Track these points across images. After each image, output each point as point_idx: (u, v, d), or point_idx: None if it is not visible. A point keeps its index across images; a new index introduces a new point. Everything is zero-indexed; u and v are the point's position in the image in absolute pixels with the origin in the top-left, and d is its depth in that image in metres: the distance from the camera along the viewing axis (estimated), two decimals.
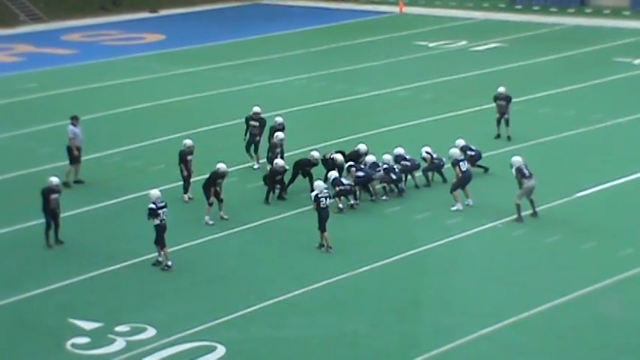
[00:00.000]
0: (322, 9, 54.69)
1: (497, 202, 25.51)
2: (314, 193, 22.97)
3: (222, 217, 24.47)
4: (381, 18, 51.53)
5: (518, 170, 24.49)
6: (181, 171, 26.07)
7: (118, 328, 19.12)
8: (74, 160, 27.42)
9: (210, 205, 24.29)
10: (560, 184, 26.52)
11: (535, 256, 22.40)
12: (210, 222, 24.18)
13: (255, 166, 28.07)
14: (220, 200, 24.57)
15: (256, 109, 28.62)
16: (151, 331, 18.99)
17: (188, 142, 26.37)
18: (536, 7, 52.12)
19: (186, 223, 24.15)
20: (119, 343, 18.64)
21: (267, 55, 43.19)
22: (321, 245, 22.91)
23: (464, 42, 44.86)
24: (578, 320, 19.42)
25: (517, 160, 24.62)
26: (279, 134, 27.37)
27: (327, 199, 22.95)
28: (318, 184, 23.31)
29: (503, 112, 29.93)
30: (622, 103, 34.46)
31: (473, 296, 20.48)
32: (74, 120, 27.69)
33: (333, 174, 25.27)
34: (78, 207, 25.34)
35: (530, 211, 24.48)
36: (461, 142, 26.79)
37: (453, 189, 25.25)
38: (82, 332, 19.09)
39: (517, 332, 18.96)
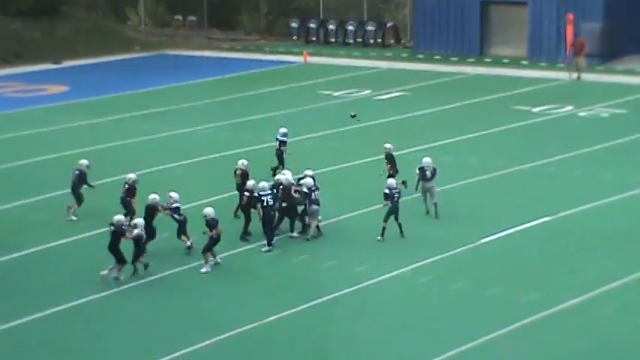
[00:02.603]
0: (227, 59, 54.71)
1: (405, 247, 25.60)
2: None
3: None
4: (286, 68, 51.73)
5: (421, 170, 27.45)
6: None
7: None
8: None
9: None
10: (464, 230, 26.71)
11: (441, 303, 22.48)
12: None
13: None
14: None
15: None
16: None
17: (132, 176, 26.99)
18: (437, 57, 52.81)
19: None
20: None
21: (172, 105, 42.97)
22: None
23: (368, 91, 45.20)
24: None
25: (426, 160, 27.77)
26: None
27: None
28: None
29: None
30: (523, 150, 34.94)
31: (381, 345, 20.44)
32: None
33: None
34: None
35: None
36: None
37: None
38: None
39: None
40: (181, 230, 25.68)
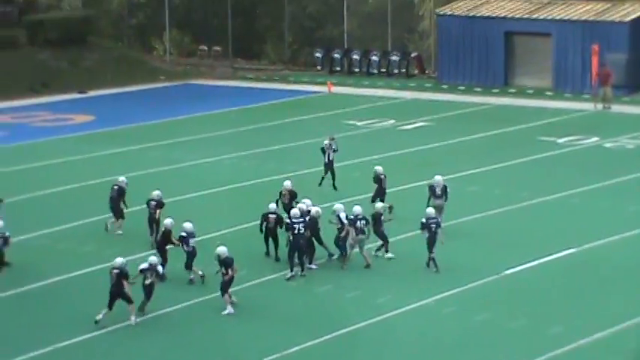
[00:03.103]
0: (251, 89, 54.85)
1: (428, 277, 25.51)
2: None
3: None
4: (310, 97, 51.82)
5: (431, 188, 28.34)
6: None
7: None
8: None
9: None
10: (488, 261, 26.60)
11: (465, 335, 22.35)
12: None
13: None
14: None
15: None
16: None
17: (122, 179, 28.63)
18: (461, 87, 52.78)
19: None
20: None
21: (197, 134, 43.08)
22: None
23: (392, 121, 45.19)
24: None
25: (437, 178, 28.71)
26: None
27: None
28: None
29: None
30: (548, 181, 34.81)
31: None
32: None
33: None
34: (2, 290, 24.84)
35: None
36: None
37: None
38: None
39: None
40: (188, 262, 25.50)
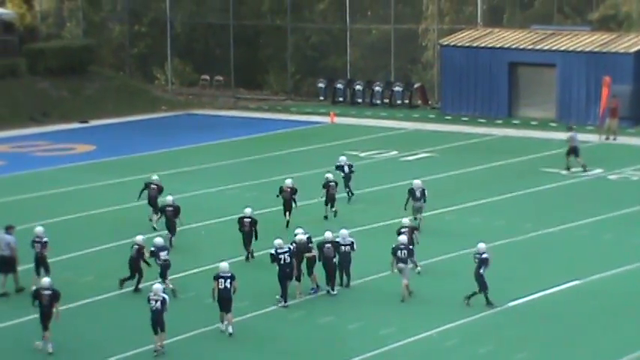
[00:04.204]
0: (254, 119, 55.05)
1: (431, 309, 25.57)
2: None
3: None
4: (313, 128, 51.99)
5: (411, 191, 31.62)
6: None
7: None
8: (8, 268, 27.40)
9: None
10: (492, 293, 26.65)
11: None
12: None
13: None
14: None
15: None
16: None
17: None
18: (465, 118, 52.95)
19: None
20: None
21: (198, 164, 43.23)
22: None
23: (395, 152, 45.33)
24: None
25: (416, 182, 32.11)
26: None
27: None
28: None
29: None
30: (552, 212, 34.89)
31: None
32: (9, 229, 27.79)
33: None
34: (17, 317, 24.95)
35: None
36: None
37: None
38: None
39: None
40: (163, 272, 26.75)
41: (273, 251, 26.22)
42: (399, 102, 56.59)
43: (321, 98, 58.74)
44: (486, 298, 25.86)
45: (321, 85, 58.92)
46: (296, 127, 52.58)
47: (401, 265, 26.63)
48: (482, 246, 26.34)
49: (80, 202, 37.36)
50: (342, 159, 37.14)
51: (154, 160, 44.92)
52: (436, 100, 56.93)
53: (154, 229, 31.72)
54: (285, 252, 26.17)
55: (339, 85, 58.16)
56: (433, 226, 32.75)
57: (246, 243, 29.75)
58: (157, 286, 24.00)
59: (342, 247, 27.33)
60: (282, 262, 26.06)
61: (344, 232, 27.64)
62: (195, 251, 30.97)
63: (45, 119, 54.53)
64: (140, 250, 27.24)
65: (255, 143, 48.75)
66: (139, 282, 27.17)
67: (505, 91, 53.04)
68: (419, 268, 28.24)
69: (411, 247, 27.06)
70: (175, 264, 27.90)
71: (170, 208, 31.30)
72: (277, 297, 26.21)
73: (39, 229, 28.43)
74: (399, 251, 26.72)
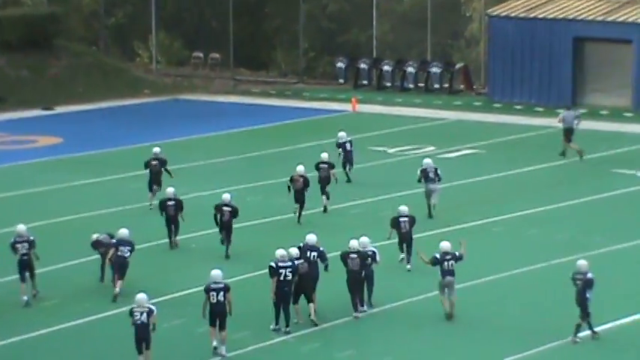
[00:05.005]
0: (257, 106, 55.05)
1: (482, 339, 25.53)
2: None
3: None
4: (330, 117, 51.96)
5: (423, 172, 34.79)
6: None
7: None
8: None
9: None
10: (554, 321, 26.56)
11: None
12: None
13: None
14: None
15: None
16: None
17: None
18: (518, 106, 52.81)
19: None
20: None
21: (189, 162, 43.19)
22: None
23: (431, 148, 45.26)
24: None
25: (427, 162, 35.40)
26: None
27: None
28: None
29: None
30: (626, 223, 34.80)
31: None
32: None
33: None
34: None
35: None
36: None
37: None
38: None
39: None
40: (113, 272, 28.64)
41: (272, 263, 26.21)
42: (436, 86, 56.56)
43: (341, 81, 58.76)
44: (590, 327, 25.88)
45: (340, 65, 58.93)
46: (309, 116, 52.53)
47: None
48: (583, 264, 26.33)
49: (43, 207, 37.38)
50: (342, 135, 39.47)
51: (135, 156, 44.71)
52: (482, 85, 56.87)
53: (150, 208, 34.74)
54: (288, 267, 26.14)
55: (363, 66, 58.16)
56: (478, 239, 32.67)
57: (226, 236, 31.61)
58: (141, 296, 24.27)
59: None
60: (281, 278, 26.06)
61: (364, 240, 27.72)
62: (185, 268, 30.96)
63: (1, 105, 54.61)
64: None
65: (259, 136, 48.72)
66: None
67: (568, 73, 52.96)
68: (409, 266, 30.16)
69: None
70: (163, 282, 27.99)
71: (171, 203, 32.36)
72: (271, 327, 26.24)
73: (21, 227, 29.15)
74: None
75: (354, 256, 27.19)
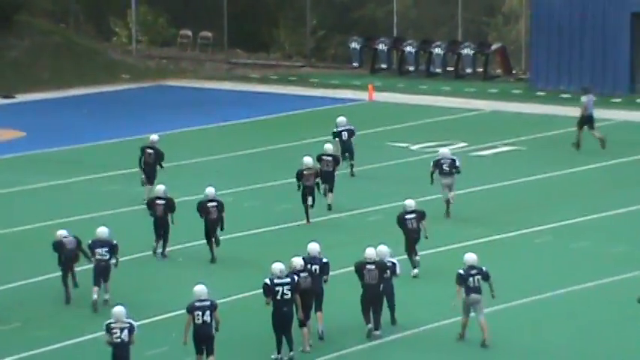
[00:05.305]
0: (256, 94, 55.08)
1: None
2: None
3: None
4: (343, 108, 51.86)
5: (437, 163, 35.72)
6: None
7: None
8: None
9: None
10: (608, 351, 26.67)
11: None
12: None
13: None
14: None
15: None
16: None
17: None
18: (565, 95, 52.70)
19: None
20: None
21: (175, 160, 43.12)
22: None
23: (462, 144, 45.25)
24: None
25: (444, 151, 36.28)
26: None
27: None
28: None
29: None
30: None
31: None
32: None
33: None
34: None
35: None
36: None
37: None
38: None
39: None
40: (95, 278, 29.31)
41: (267, 280, 26.24)
42: (468, 71, 56.59)
43: (355, 65, 58.80)
44: None
45: (354, 45, 58.97)
46: (318, 106, 52.56)
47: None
48: None
49: (2, 213, 37.56)
50: (342, 120, 40.80)
51: (111, 153, 45.00)
52: (523, 69, 56.86)
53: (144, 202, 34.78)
54: (285, 284, 26.17)
55: (381, 47, 58.20)
56: (517, 252, 32.75)
57: (210, 236, 32.57)
58: (119, 310, 24.36)
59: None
60: (278, 297, 26.14)
61: (383, 249, 27.80)
62: (171, 284, 31.12)
63: None
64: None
65: (258, 129, 48.79)
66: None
67: (626, 55, 52.94)
68: (416, 270, 30.91)
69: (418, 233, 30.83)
70: (144, 302, 28.07)
71: (160, 202, 32.90)
72: (272, 357, 26.30)
73: None
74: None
75: (372, 267, 27.15)
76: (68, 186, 40.47)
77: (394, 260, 28.03)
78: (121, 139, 47.06)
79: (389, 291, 27.75)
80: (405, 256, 30.98)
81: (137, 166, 38.15)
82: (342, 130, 40.70)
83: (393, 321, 27.89)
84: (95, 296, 28.83)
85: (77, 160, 44.12)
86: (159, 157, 38.01)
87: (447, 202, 36.00)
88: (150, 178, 37.48)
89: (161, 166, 37.98)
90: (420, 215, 31.42)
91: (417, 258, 31.12)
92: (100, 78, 57.20)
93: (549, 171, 41.60)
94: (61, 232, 29.88)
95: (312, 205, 35.69)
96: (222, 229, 32.77)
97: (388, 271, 27.57)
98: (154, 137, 38.63)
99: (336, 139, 40.46)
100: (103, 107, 53.49)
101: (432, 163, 36.30)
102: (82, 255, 29.59)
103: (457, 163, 36.04)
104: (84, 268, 29.93)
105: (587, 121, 43.95)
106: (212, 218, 32.59)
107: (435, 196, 36.95)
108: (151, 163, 37.82)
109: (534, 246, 34.00)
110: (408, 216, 31.29)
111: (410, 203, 31.59)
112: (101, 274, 29.10)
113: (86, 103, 54.12)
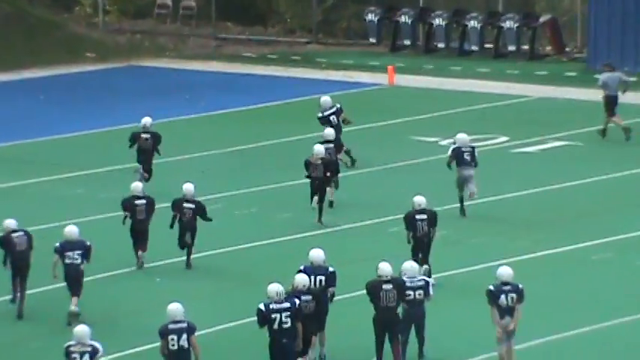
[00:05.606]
0: (253, 77, 55.19)
1: None
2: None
3: None
4: (360, 93, 52.09)
5: (455, 152, 36.74)
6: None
7: None
8: None
9: None
10: None
11: None
12: None
13: None
14: None
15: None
16: None
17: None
18: (631, 78, 52.50)
19: None
20: None
21: (154, 157, 43.18)
22: None
23: (503, 138, 45.31)
24: None
25: (462, 137, 37.18)
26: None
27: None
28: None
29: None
30: None
31: None
32: None
33: None
34: None
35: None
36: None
37: None
38: None
39: None
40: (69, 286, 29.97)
41: (262, 305, 26.19)
42: (511, 49, 56.64)
43: (372, 41, 58.87)
44: None
45: (371, 18, 59.06)
46: (328, 91, 52.53)
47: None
48: None
49: None
50: (326, 101, 41.48)
51: (76, 148, 45.17)
52: (579, 47, 56.90)
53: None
54: (284, 309, 26.13)
55: (404, 19, 58.26)
56: (570, 270, 32.76)
57: (185, 240, 33.34)
58: (82, 329, 24.52)
59: (410, 293, 27.34)
60: (275, 326, 26.13)
61: (409, 265, 27.67)
62: (152, 312, 31.09)
63: None
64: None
65: (252, 121, 48.91)
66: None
67: None
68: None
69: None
70: (113, 328, 28.15)
71: (140, 202, 33.48)
72: None
73: None
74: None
75: (389, 287, 27.03)
76: (23, 188, 40.50)
77: (427, 278, 27.89)
78: (85, 132, 47.22)
79: (419, 318, 27.55)
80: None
81: (134, 160, 39.30)
82: (330, 114, 40.94)
83: (421, 355, 27.76)
84: (74, 307, 29.32)
85: (33, 157, 44.19)
86: (156, 141, 39.04)
87: (462, 199, 37.04)
88: (148, 168, 38.99)
89: (158, 153, 38.98)
90: (432, 218, 31.51)
91: (426, 267, 30.93)
92: (58, 57, 57.36)
93: (611, 172, 41.61)
94: (10, 223, 30.39)
95: (319, 202, 36.04)
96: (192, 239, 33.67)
97: (418, 293, 27.39)
98: (147, 119, 39.73)
99: (324, 125, 40.51)
100: (62, 93, 53.60)
101: (449, 152, 37.38)
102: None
103: (476, 154, 37.17)
104: (57, 286, 30.35)
105: (608, 103, 44.96)
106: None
107: (471, 202, 36.98)
108: (148, 150, 39.09)
109: (592, 263, 33.98)
110: (418, 216, 31.39)
111: (420, 200, 31.79)
112: (73, 281, 29.62)
113: (42, 87, 54.22)
